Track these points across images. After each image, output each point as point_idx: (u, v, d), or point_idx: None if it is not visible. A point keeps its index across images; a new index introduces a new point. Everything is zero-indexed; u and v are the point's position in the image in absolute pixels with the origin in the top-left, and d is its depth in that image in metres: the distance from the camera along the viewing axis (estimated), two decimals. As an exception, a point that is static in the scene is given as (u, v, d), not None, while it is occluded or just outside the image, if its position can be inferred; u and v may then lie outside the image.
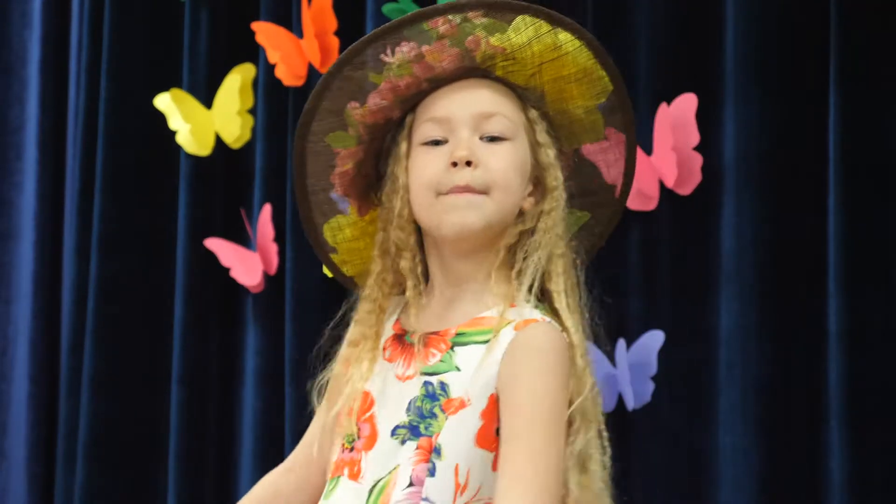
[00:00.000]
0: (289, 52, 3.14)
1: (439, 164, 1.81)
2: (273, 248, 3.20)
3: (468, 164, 1.80)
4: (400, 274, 1.87)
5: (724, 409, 2.59)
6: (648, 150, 2.68)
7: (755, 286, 2.56)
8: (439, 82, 1.84)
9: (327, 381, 1.90)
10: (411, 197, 1.84)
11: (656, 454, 2.67)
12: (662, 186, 2.67)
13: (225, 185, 3.36)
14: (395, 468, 1.78)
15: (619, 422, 2.51)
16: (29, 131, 3.74)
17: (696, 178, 2.65)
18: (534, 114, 1.87)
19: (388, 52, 1.83)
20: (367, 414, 1.82)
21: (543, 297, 1.85)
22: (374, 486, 1.78)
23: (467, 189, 1.80)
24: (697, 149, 2.64)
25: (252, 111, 3.32)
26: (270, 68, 3.19)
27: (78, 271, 3.53)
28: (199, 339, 3.32)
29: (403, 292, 1.88)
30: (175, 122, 3.34)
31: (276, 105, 3.23)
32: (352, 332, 1.90)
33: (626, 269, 2.73)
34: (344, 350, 1.90)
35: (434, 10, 1.82)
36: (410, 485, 1.76)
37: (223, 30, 3.37)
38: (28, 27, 3.75)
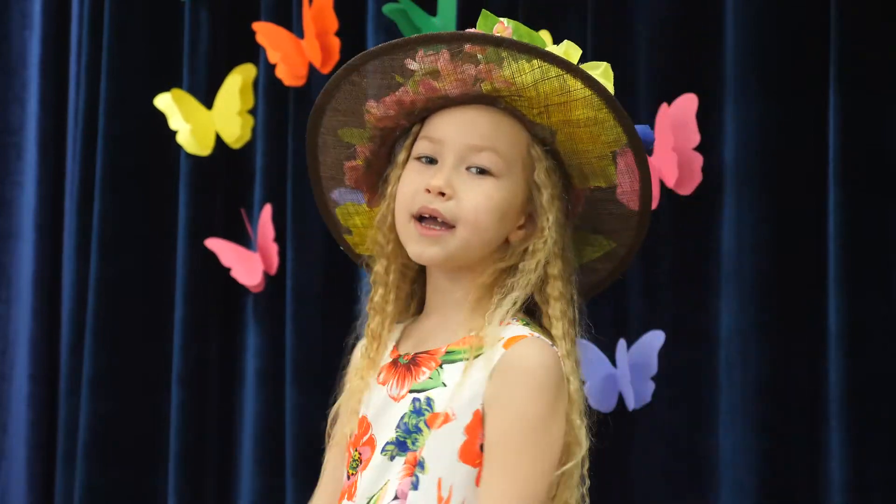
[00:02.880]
0: (289, 53, 3.14)
1: (418, 184, 1.83)
2: (273, 249, 3.20)
3: (441, 194, 1.81)
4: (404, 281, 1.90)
5: (724, 409, 2.59)
6: (649, 151, 2.67)
7: (755, 286, 2.56)
8: (449, 101, 1.84)
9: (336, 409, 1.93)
10: (395, 207, 1.87)
11: (656, 454, 2.67)
12: (663, 186, 2.67)
13: (225, 185, 3.36)
14: (385, 483, 1.80)
15: (620, 422, 2.51)
16: (29, 131, 3.74)
17: (697, 178, 2.65)
18: (537, 151, 1.86)
19: (410, 62, 1.83)
20: (366, 437, 1.85)
21: (533, 315, 1.87)
22: (367, 503, 1.81)
23: (433, 214, 1.81)
24: (698, 149, 2.64)
25: (252, 111, 3.32)
26: (271, 68, 3.19)
27: (78, 271, 3.53)
28: (199, 339, 3.32)
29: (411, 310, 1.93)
30: (175, 122, 3.34)
31: (276, 105, 3.23)
32: (361, 349, 1.94)
33: (627, 269, 2.72)
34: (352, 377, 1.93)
35: (452, 36, 1.81)
36: (395, 498, 1.78)
37: (223, 30, 3.37)
38: (28, 27, 3.75)
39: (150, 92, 3.38)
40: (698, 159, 2.64)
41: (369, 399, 1.86)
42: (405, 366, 1.85)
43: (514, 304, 1.83)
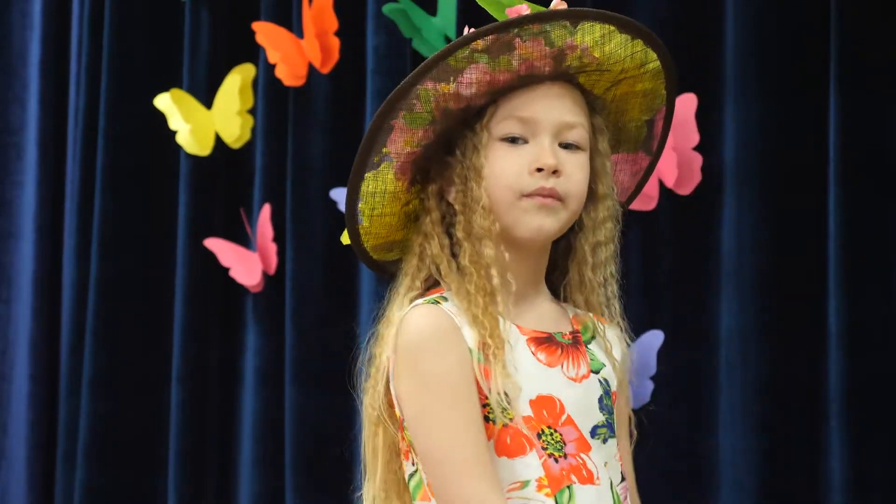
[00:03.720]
0: (289, 52, 3.14)
1: (521, 165, 1.82)
2: (272, 248, 3.20)
3: (554, 172, 1.82)
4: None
5: (724, 409, 2.59)
6: (648, 150, 2.68)
7: (755, 286, 2.56)
8: (530, 80, 1.85)
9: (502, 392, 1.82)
10: (490, 192, 1.83)
11: (656, 454, 2.67)
12: (662, 186, 2.67)
13: (225, 185, 3.36)
14: (604, 465, 1.82)
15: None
16: (29, 132, 3.74)
17: (696, 178, 2.65)
18: (599, 121, 1.89)
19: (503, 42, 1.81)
20: (564, 417, 1.81)
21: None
22: (610, 484, 1.83)
23: (551, 194, 1.82)
24: (697, 149, 2.64)
25: (252, 111, 3.32)
26: (270, 68, 3.19)
27: (78, 271, 3.53)
28: (199, 339, 3.32)
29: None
30: (175, 122, 3.34)
31: (276, 105, 3.23)
32: (478, 333, 1.81)
33: (626, 269, 2.72)
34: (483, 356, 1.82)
35: (560, 13, 1.81)
36: (622, 479, 1.85)
37: (223, 30, 3.37)
38: (28, 27, 3.76)
39: (150, 92, 3.39)
40: (698, 159, 2.64)
41: (534, 379, 1.80)
42: (570, 346, 1.85)
43: (615, 277, 1.90)
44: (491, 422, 1.77)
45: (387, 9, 2.96)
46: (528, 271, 1.86)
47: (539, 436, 1.79)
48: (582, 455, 1.80)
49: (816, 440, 2.52)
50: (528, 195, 1.81)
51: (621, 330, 1.90)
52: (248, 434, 3.26)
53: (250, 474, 3.24)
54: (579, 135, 1.84)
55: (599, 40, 1.83)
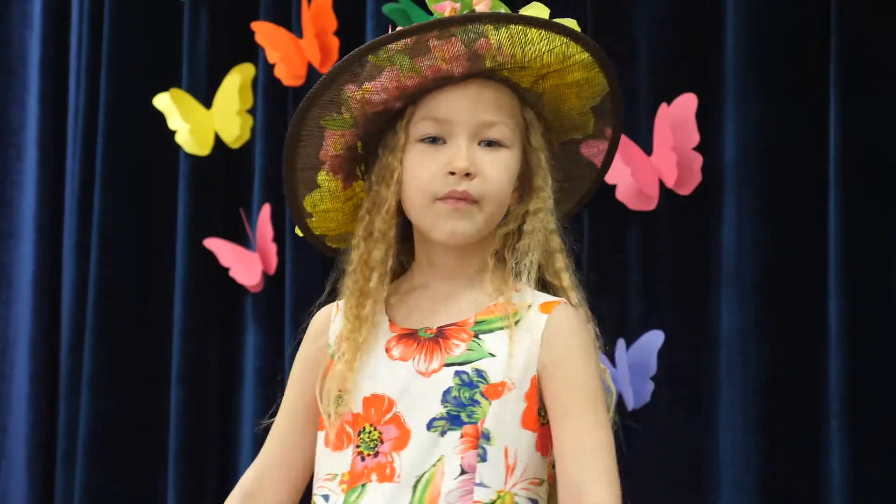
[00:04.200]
0: (288, 52, 3.14)
1: (436, 167, 1.82)
2: (272, 248, 3.20)
3: (467, 174, 1.81)
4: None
5: (724, 409, 2.59)
6: (648, 150, 2.68)
7: (755, 286, 2.56)
8: (444, 81, 1.85)
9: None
10: (404, 193, 1.85)
11: (656, 454, 2.67)
12: (662, 186, 2.67)
13: (224, 185, 3.36)
14: (439, 459, 1.79)
15: (620, 422, 2.51)
16: (29, 131, 3.74)
17: (696, 178, 2.65)
18: (530, 115, 1.89)
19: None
20: (389, 415, 1.83)
21: (545, 288, 1.89)
22: (417, 482, 1.79)
23: (464, 196, 1.81)
24: (697, 149, 2.64)
25: (251, 111, 3.32)
26: (270, 68, 3.19)
27: (78, 271, 3.53)
28: (199, 338, 3.32)
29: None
30: (174, 121, 3.34)
31: (275, 105, 3.23)
32: (343, 328, 1.90)
33: (627, 270, 2.73)
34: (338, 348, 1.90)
35: (470, 18, 1.82)
36: (462, 472, 1.79)
37: (223, 30, 3.37)
38: (28, 27, 3.76)
39: (150, 92, 3.39)
40: (698, 159, 2.64)
41: (378, 377, 1.84)
42: (431, 339, 1.84)
43: (534, 265, 1.86)
44: (326, 415, 1.86)
45: (387, 9, 2.94)
46: (450, 266, 1.87)
47: (360, 433, 1.83)
48: (394, 454, 1.81)
49: (816, 440, 2.52)
50: (442, 199, 1.82)
51: (566, 319, 1.84)
52: (248, 434, 3.26)
53: (250, 474, 3.23)
54: (500, 132, 1.84)
55: (514, 39, 1.82)
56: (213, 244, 3.29)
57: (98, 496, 3.41)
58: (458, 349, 1.82)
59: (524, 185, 1.89)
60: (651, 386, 2.61)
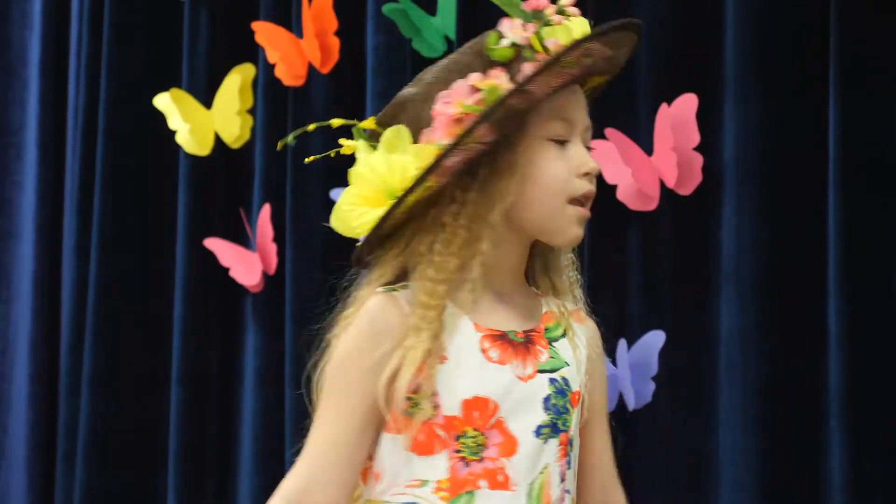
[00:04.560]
0: (288, 52, 3.14)
1: (569, 167, 1.81)
2: (272, 249, 3.20)
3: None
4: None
5: (724, 409, 2.59)
6: (649, 150, 2.68)
7: (755, 286, 2.56)
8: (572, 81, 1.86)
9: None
10: (530, 191, 1.80)
11: (656, 454, 2.67)
12: (663, 186, 2.67)
13: (224, 185, 3.36)
14: (546, 467, 1.80)
15: (620, 422, 2.50)
16: (29, 131, 3.74)
17: (697, 178, 2.65)
18: None
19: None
20: (493, 420, 1.78)
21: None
22: (530, 489, 1.79)
23: (591, 199, 1.84)
24: (698, 149, 2.64)
25: (251, 111, 3.32)
26: (270, 68, 3.19)
27: (78, 271, 3.53)
28: (199, 338, 3.32)
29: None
30: (174, 121, 3.34)
31: (275, 105, 3.23)
32: (416, 322, 1.79)
33: (627, 270, 2.73)
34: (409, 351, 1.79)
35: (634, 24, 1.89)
36: (561, 480, 1.82)
37: (223, 30, 3.37)
38: (28, 27, 3.76)
39: (150, 92, 3.39)
40: (698, 159, 2.64)
41: (480, 380, 1.78)
42: (522, 344, 1.82)
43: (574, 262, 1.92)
44: (408, 416, 1.77)
45: (387, 9, 2.96)
46: (511, 265, 1.86)
47: (458, 437, 1.78)
48: (503, 460, 1.78)
49: (816, 440, 2.52)
50: (576, 200, 1.81)
51: (596, 328, 1.93)
52: (248, 434, 3.26)
53: (250, 474, 3.23)
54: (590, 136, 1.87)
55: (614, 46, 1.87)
56: (213, 244, 3.29)
57: (98, 496, 3.41)
58: (543, 356, 1.83)
59: None
60: (652, 386, 2.61)
